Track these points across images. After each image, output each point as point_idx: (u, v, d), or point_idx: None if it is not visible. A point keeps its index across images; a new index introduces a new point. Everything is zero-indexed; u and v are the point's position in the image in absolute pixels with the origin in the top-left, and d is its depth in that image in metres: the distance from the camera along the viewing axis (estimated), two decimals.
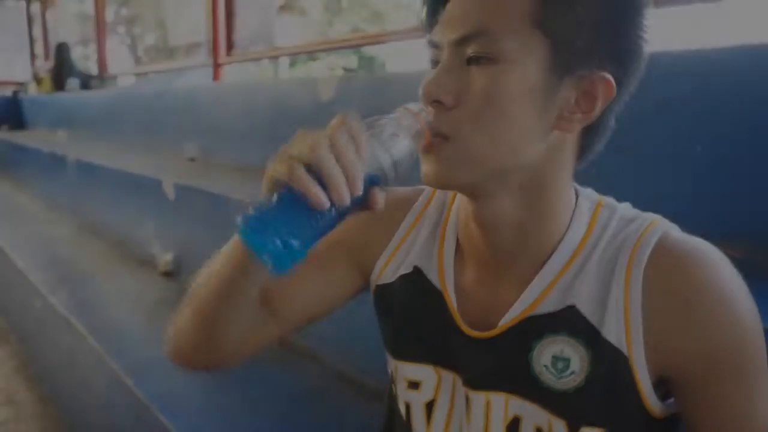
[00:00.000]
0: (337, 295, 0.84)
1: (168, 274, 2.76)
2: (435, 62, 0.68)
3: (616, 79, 0.64)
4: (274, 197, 0.56)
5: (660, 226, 0.67)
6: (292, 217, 0.55)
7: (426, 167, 0.67)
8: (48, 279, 2.78)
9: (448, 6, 0.66)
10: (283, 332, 0.83)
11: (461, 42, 0.63)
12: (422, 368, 0.77)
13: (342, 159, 0.55)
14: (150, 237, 2.97)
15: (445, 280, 0.76)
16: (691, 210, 1.44)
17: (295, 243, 0.54)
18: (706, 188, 1.35)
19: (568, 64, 0.62)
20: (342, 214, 0.58)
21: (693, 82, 1.36)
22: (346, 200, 0.55)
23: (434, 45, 0.67)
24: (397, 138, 0.60)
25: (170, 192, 2.75)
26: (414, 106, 0.63)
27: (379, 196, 0.59)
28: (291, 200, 0.56)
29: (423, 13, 0.71)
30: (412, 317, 0.79)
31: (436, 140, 0.64)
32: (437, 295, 0.76)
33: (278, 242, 0.53)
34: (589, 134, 0.68)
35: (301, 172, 0.54)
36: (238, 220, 0.55)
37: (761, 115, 1.28)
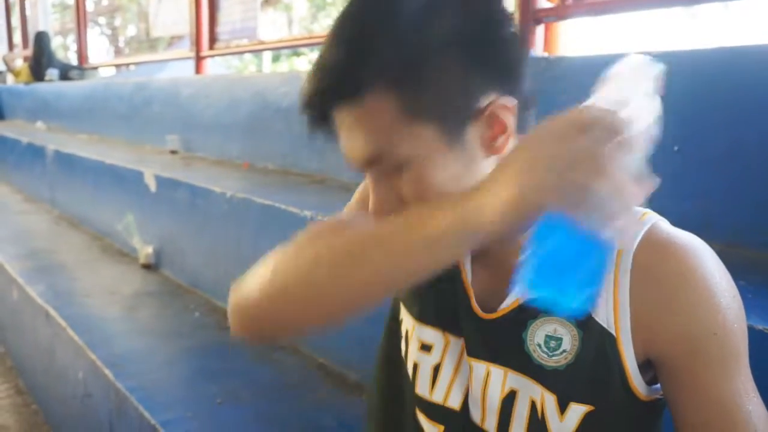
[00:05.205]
0: None
1: (148, 267, 2.75)
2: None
3: (507, 91, 0.65)
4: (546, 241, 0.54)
5: (651, 217, 0.70)
6: (578, 254, 0.52)
7: None
8: (26, 270, 2.76)
9: (341, 138, 0.68)
10: None
11: (368, 165, 0.67)
12: (435, 332, 0.80)
13: (622, 192, 0.52)
14: (130, 229, 2.95)
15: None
16: (666, 206, 1.47)
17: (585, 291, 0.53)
18: (680, 186, 1.38)
19: (461, 119, 0.64)
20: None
21: (671, 83, 1.38)
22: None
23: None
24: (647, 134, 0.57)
25: (152, 184, 2.74)
26: (636, 58, 0.63)
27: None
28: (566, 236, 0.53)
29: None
30: (432, 282, 0.77)
31: None
32: (455, 267, 0.78)
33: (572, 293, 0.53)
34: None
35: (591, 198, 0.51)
36: (520, 276, 0.53)
37: (736, 116, 1.32)
